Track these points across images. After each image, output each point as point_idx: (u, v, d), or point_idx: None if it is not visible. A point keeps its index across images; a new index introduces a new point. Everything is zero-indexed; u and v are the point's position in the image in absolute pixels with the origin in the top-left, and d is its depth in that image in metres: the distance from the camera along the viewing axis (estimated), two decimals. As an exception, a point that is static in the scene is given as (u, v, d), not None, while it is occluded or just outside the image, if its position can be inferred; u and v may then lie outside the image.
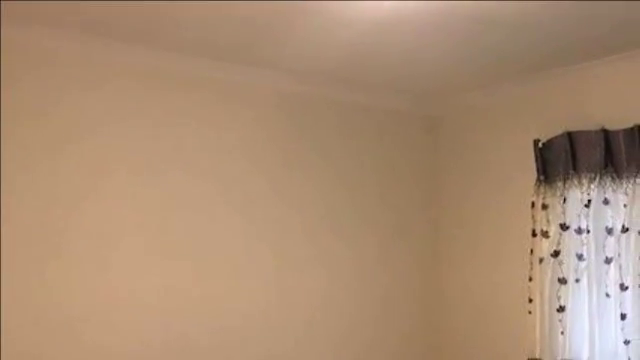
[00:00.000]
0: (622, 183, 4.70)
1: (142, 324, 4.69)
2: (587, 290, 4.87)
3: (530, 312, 5.13)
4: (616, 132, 4.71)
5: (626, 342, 4.61)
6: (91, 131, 4.57)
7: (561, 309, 4.96)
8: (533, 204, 5.16)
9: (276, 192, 5.33)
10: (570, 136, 4.95)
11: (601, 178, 4.79)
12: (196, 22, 4.30)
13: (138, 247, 4.70)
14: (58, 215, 4.40)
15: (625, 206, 4.65)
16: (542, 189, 5.13)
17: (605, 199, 4.80)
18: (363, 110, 5.81)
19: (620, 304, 4.65)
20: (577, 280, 4.91)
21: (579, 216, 4.90)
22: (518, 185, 5.42)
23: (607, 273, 4.78)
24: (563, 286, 4.96)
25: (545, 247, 5.05)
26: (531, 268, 5.14)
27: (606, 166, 4.77)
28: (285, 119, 5.42)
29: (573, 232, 4.93)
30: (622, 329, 4.64)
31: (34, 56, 4.38)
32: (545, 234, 5.06)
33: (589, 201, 4.84)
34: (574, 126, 4.95)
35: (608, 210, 4.80)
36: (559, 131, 5.02)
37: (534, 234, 5.13)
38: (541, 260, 5.05)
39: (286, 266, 5.34)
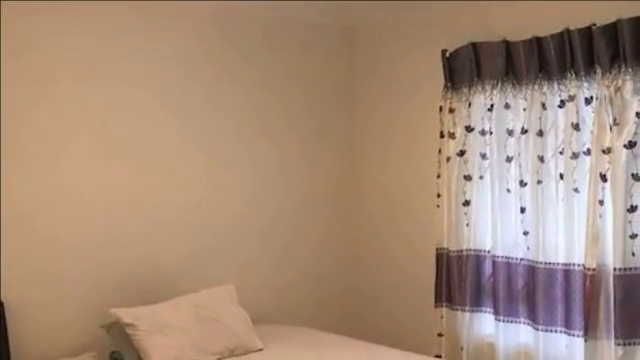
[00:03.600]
0: (522, 89, 4.91)
1: (86, 217, 4.90)
2: (490, 186, 5.16)
3: (438, 206, 5.43)
4: (516, 43, 4.88)
5: (525, 233, 4.95)
6: (41, 43, 4.68)
7: (466, 203, 5.29)
8: (441, 108, 5.40)
9: (209, 98, 5.53)
10: (474, 47, 5.14)
11: (502, 85, 5.01)
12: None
13: (83, 148, 4.88)
14: (11, 118, 4.55)
15: (524, 110, 4.89)
16: (449, 95, 5.36)
17: (506, 104, 5.02)
18: (288, 24, 5.94)
19: (520, 199, 4.96)
20: (481, 177, 5.22)
21: (483, 119, 5.17)
22: (427, 91, 5.61)
23: (508, 171, 5.05)
24: (468, 182, 5.27)
25: (452, 147, 5.33)
26: (439, 166, 5.42)
27: (507, 74, 4.98)
28: (217, 32, 5.56)
29: (477, 133, 5.21)
30: (522, 221, 4.97)
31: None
32: (452, 135, 5.32)
33: (492, 105, 5.09)
34: (478, 37, 5.13)
35: (509, 114, 5.03)
36: (464, 42, 5.20)
37: (442, 135, 5.39)
38: (448, 159, 5.35)
39: (217, 165, 5.60)
